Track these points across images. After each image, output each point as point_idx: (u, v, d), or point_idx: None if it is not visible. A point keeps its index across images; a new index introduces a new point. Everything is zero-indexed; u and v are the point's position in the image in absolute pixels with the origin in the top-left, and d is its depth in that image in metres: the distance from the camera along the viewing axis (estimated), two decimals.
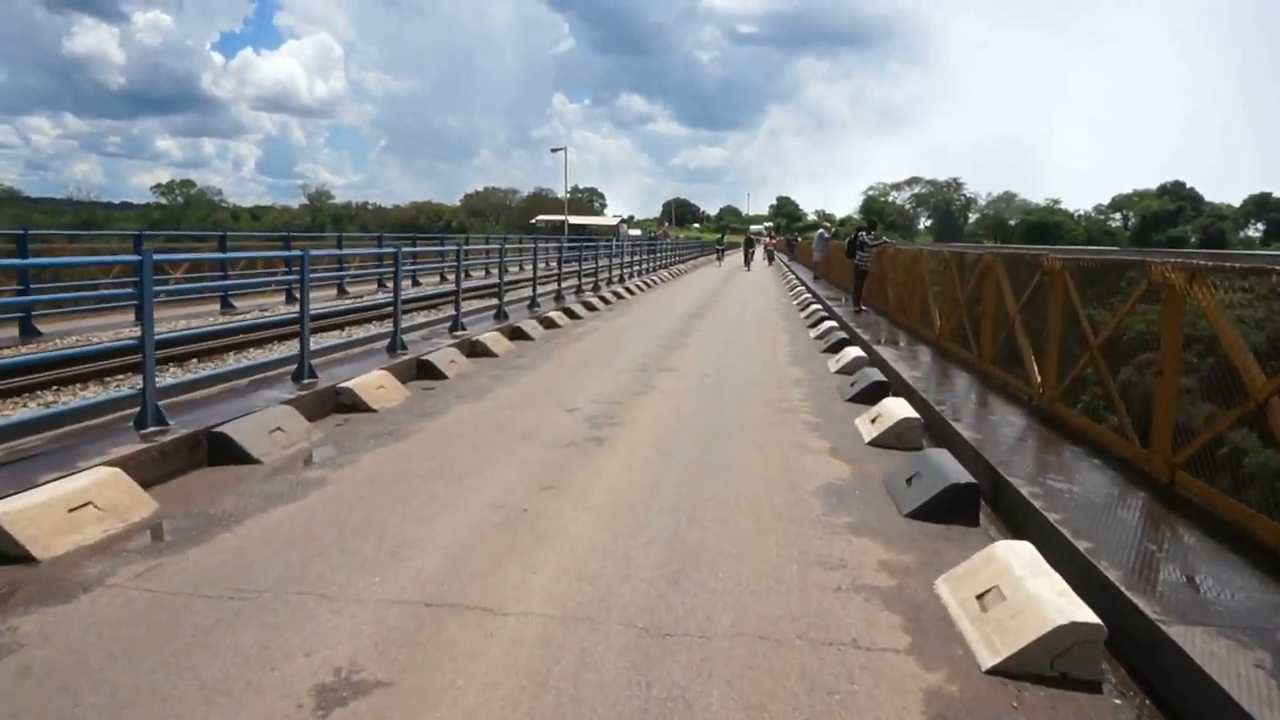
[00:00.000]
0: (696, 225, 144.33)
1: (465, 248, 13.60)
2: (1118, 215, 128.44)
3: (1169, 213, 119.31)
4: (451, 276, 14.40)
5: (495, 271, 13.80)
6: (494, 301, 13.82)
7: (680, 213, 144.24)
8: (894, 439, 6.57)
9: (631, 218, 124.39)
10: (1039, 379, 7.09)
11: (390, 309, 9.84)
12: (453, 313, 11.88)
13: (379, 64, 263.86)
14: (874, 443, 6.60)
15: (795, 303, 21.80)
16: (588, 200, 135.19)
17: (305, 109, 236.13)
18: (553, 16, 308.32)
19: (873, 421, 7.00)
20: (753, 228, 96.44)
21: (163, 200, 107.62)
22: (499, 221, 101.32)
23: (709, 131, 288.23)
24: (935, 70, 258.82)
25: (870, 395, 8.19)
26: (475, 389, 8.50)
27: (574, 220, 65.19)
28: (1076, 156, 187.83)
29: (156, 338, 9.14)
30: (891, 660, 3.20)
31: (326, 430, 6.62)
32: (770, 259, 54.31)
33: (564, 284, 17.84)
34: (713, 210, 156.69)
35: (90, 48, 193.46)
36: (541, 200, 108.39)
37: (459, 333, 11.37)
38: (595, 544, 4.27)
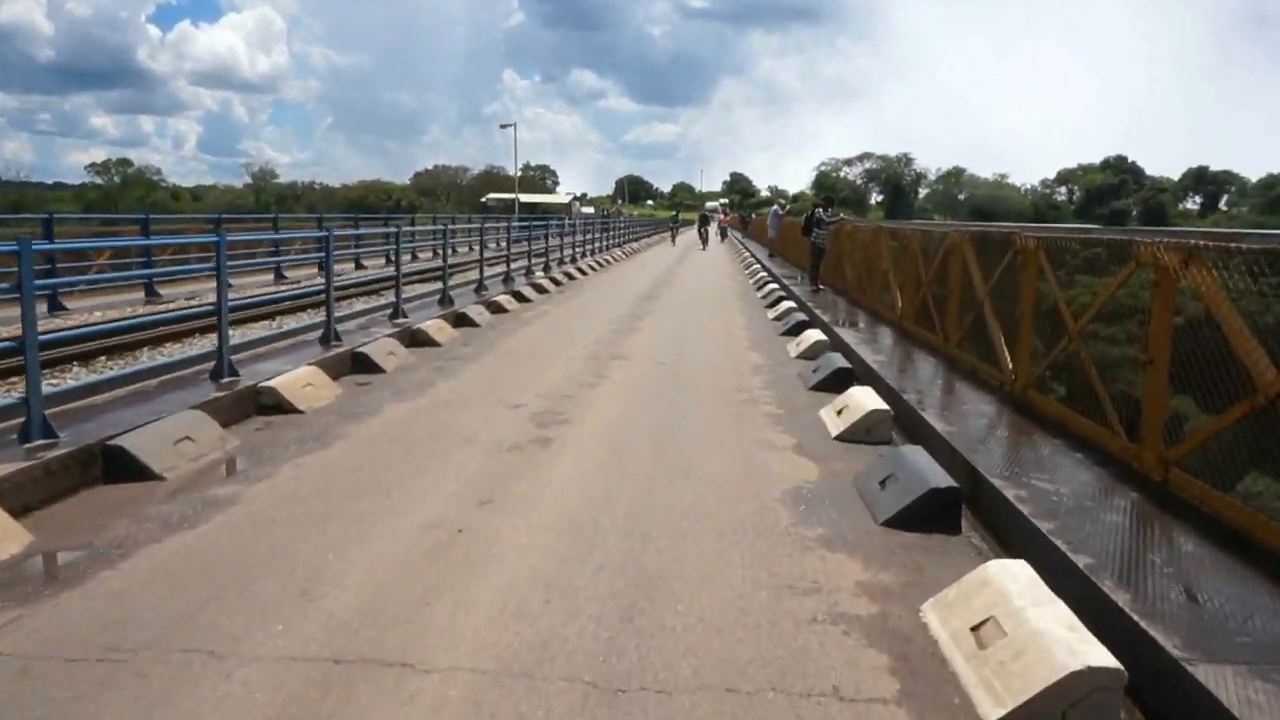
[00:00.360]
0: (650, 202, 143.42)
1: (406, 229, 12.85)
2: (1063, 189, 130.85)
3: (1112, 186, 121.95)
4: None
5: (442, 253, 13.10)
6: (439, 285, 13.15)
7: (633, 190, 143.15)
8: (863, 433, 6.16)
9: (585, 195, 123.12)
10: (1011, 365, 6.74)
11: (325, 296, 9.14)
12: (394, 299, 11.21)
13: (323, 39, 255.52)
14: (841, 437, 6.18)
15: (751, 281, 21.42)
16: (540, 178, 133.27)
17: (247, 84, 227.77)
18: None
19: (839, 413, 6.58)
20: (708, 205, 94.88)
21: (98, 180, 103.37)
22: (450, 200, 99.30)
23: (661, 108, 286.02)
24: (885, 47, 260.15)
25: (834, 383, 7.78)
26: (413, 384, 7.89)
27: (525, 198, 63.94)
28: (1023, 132, 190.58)
29: (60, 334, 8.46)
30: (880, 714, 2.76)
31: (244, 437, 5.99)
32: (724, 236, 53.91)
33: (513, 265, 17.19)
34: (666, 187, 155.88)
35: (16, 18, 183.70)
36: (493, 178, 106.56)
37: (400, 321, 10.72)
38: (538, 573, 3.76)
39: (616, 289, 18.56)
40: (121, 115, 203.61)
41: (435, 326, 10.58)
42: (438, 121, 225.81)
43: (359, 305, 12.92)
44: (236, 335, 8.12)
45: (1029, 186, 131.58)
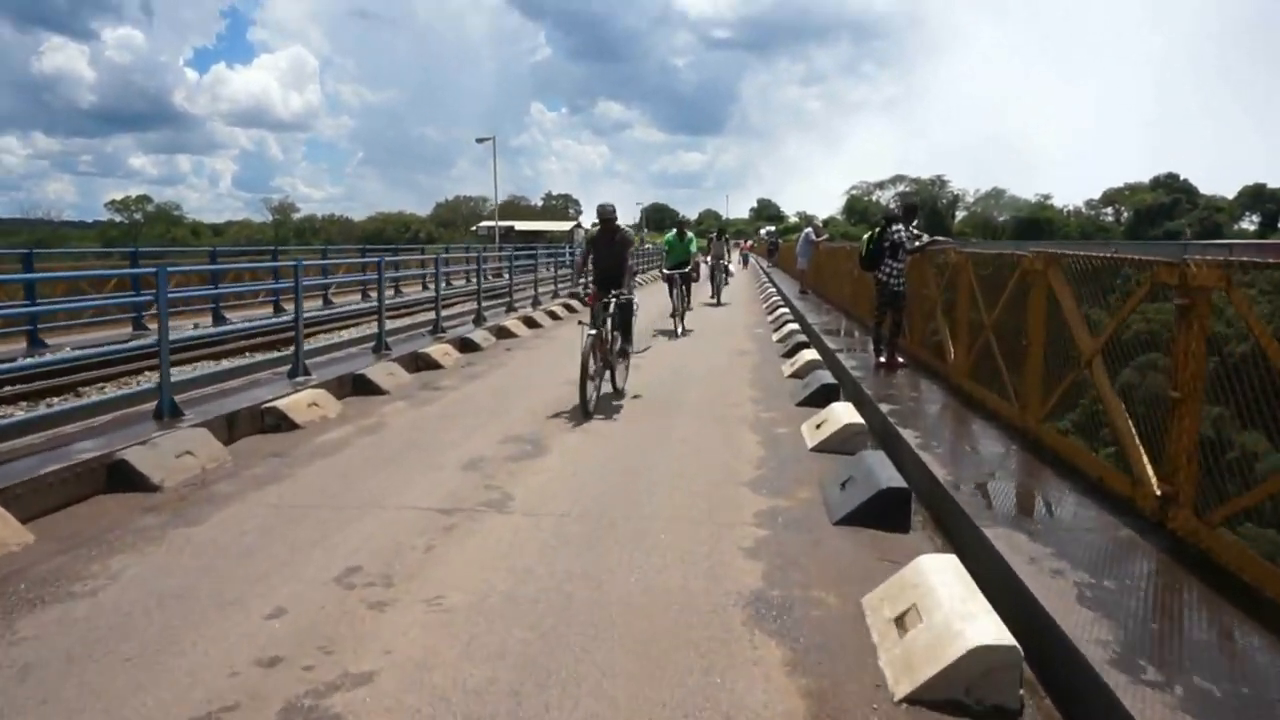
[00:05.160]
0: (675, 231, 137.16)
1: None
2: (1109, 210, 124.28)
3: (1164, 206, 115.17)
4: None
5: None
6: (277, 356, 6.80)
7: (657, 218, 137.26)
8: None
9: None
10: None
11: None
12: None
13: (354, 76, 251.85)
14: None
15: (775, 336, 14.73)
16: (562, 207, 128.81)
17: (281, 123, 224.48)
18: (528, 25, 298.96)
19: None
20: (761, 231, 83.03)
21: (118, 217, 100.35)
22: (469, 231, 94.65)
23: (687, 136, 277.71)
24: (916, 68, 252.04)
25: None
26: None
27: (522, 226, 58.02)
28: (1065, 150, 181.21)
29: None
30: None
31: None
32: (745, 262, 47.60)
33: (386, 324, 10.72)
34: (694, 214, 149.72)
35: (59, 66, 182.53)
36: (513, 207, 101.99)
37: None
38: None
39: (550, 362, 11.84)
40: (160, 155, 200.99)
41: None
42: (466, 154, 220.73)
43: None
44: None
45: (1073, 207, 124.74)
